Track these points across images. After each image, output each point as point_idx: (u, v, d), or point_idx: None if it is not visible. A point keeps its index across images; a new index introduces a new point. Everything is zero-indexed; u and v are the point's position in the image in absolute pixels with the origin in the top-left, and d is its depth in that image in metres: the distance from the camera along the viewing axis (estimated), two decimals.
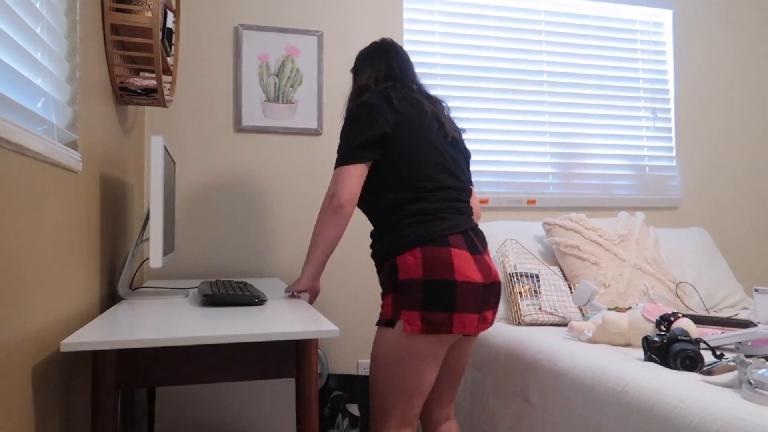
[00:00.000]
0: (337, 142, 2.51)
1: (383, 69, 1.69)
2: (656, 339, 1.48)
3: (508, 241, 2.34)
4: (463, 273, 1.43)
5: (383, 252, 1.52)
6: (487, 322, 1.51)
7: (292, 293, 1.65)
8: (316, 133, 2.48)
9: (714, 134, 3.05)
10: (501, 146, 2.75)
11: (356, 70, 1.74)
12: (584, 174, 2.85)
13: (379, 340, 1.50)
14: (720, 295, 2.52)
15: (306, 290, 1.60)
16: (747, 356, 1.48)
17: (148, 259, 2.20)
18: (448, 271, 1.42)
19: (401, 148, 1.53)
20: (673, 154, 3.00)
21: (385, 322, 1.48)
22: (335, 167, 1.55)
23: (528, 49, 2.80)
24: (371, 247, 1.59)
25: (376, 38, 2.59)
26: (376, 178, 1.54)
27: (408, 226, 1.49)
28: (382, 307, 1.52)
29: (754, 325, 1.76)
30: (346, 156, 1.52)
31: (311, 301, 1.66)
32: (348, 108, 1.63)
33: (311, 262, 1.56)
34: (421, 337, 1.44)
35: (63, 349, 0.97)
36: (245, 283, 1.72)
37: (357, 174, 1.52)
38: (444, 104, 1.71)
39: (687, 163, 3.00)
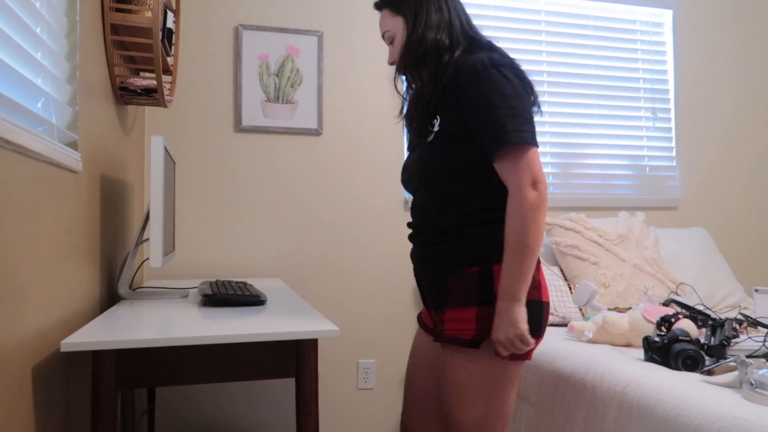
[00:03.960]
0: (337, 141, 2.51)
1: (458, 17, 1.32)
2: (657, 339, 1.48)
3: None
4: (547, 293, 1.26)
5: (474, 254, 1.23)
6: None
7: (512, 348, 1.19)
8: (316, 133, 2.48)
9: (714, 134, 3.05)
10: None
11: (413, 8, 1.32)
12: (584, 174, 2.84)
13: (467, 362, 1.22)
14: (720, 295, 2.52)
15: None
16: (747, 356, 1.48)
17: (148, 259, 2.20)
18: (537, 290, 1.23)
19: None
20: (673, 154, 3.00)
21: (469, 341, 1.20)
22: (514, 141, 1.15)
23: (528, 49, 2.80)
24: (448, 241, 1.27)
25: (377, 38, 2.59)
26: (483, 161, 1.24)
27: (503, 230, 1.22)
28: (457, 321, 1.23)
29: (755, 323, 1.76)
30: (530, 132, 1.17)
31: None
32: (487, 67, 1.21)
33: (518, 282, 1.16)
34: (511, 363, 1.23)
35: (63, 349, 0.97)
36: (245, 283, 1.72)
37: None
38: None
39: (687, 163, 3.00)
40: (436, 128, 1.28)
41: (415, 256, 1.37)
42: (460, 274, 1.24)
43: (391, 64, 1.38)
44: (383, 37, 1.39)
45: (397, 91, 1.43)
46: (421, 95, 1.30)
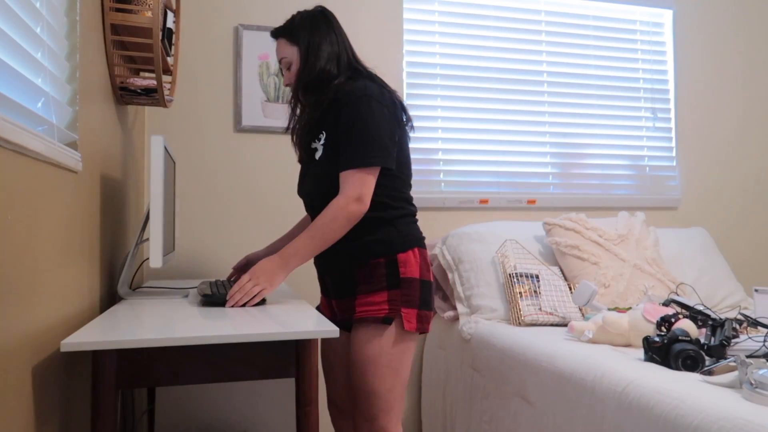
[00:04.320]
0: None
1: (345, 51, 1.56)
2: (657, 339, 1.48)
3: (508, 242, 2.34)
4: (432, 275, 1.56)
5: (380, 247, 1.48)
6: None
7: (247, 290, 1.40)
8: None
9: (714, 134, 3.05)
10: (501, 146, 2.75)
11: (306, 40, 1.53)
12: (584, 174, 2.84)
13: (380, 338, 1.45)
14: (720, 295, 2.52)
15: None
16: (747, 356, 1.48)
17: (148, 259, 2.19)
18: (428, 272, 1.54)
19: (402, 149, 1.55)
20: (673, 154, 3.00)
21: (383, 319, 1.45)
22: (360, 164, 1.42)
23: (528, 49, 2.80)
24: (355, 239, 1.48)
25: (377, 38, 2.59)
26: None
27: (407, 224, 1.54)
28: (369, 304, 1.47)
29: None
30: (376, 156, 1.43)
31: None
32: (359, 97, 1.44)
33: (300, 256, 1.42)
34: (414, 335, 1.50)
35: (63, 349, 0.97)
36: None
37: (376, 177, 1.45)
38: None
39: (687, 163, 3.00)
40: (322, 142, 1.52)
41: (322, 254, 1.55)
42: (369, 266, 1.49)
43: (287, 85, 1.60)
44: (280, 62, 1.59)
45: (291, 109, 1.62)
46: (308, 115, 1.55)
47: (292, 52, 1.55)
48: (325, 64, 1.51)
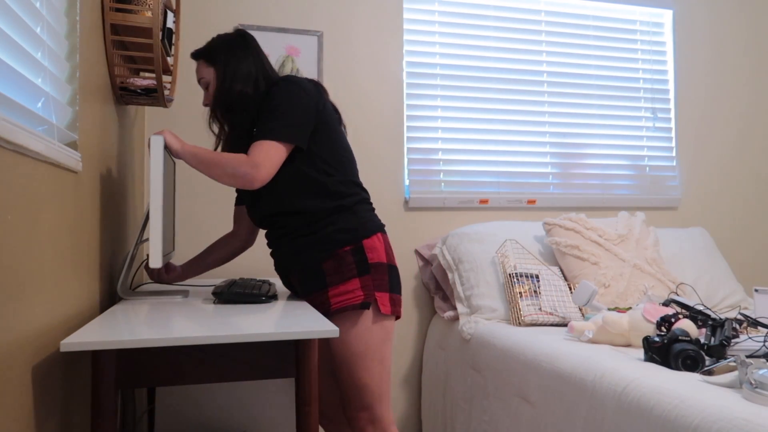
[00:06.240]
0: None
1: (264, 70, 1.59)
2: (657, 339, 1.48)
3: (508, 242, 2.34)
4: (395, 261, 1.61)
5: (344, 236, 1.50)
6: None
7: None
8: None
9: (714, 134, 3.05)
10: (501, 146, 2.75)
11: (224, 57, 1.57)
12: (584, 174, 2.85)
13: (361, 328, 1.49)
14: (720, 295, 2.52)
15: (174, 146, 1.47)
16: (747, 356, 1.48)
17: (148, 259, 2.19)
18: (394, 257, 1.59)
19: (336, 137, 1.56)
20: (673, 154, 3.00)
21: (361, 305, 1.48)
22: (266, 137, 1.45)
23: (528, 49, 2.80)
24: (317, 231, 1.51)
25: (377, 38, 2.59)
26: (312, 161, 1.51)
27: (366, 211, 1.57)
28: (343, 294, 1.49)
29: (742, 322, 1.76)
30: (283, 132, 1.45)
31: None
32: (277, 81, 1.52)
33: (191, 154, 1.46)
34: (390, 320, 1.55)
35: (63, 349, 0.97)
36: (266, 281, 1.76)
37: (284, 155, 1.47)
38: None
39: (687, 163, 3.00)
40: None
41: (284, 252, 1.57)
42: (336, 256, 1.50)
43: (206, 105, 1.63)
44: (199, 82, 1.62)
45: (213, 132, 1.65)
46: (231, 137, 1.58)
47: (209, 73, 1.59)
48: (242, 86, 1.54)
